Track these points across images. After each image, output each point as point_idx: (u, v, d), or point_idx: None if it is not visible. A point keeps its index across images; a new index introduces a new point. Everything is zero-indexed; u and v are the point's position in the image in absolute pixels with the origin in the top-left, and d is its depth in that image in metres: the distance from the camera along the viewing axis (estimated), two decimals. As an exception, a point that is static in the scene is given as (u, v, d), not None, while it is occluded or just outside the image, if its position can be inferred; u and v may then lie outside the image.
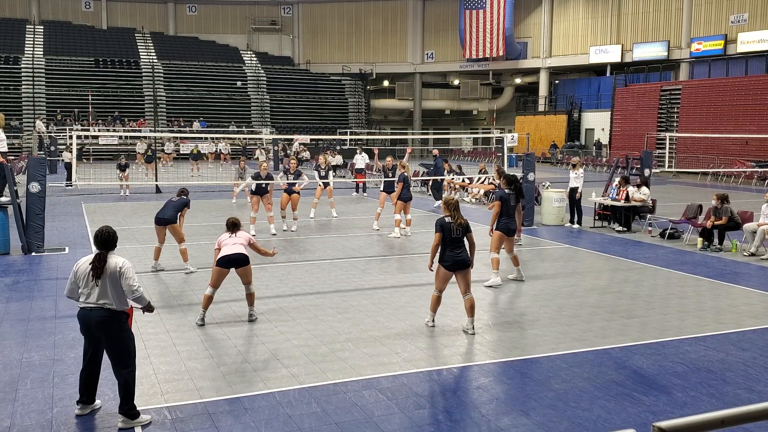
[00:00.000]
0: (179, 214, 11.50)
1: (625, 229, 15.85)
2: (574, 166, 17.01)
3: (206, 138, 41.71)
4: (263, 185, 15.11)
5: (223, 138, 42.06)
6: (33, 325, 8.34)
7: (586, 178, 17.85)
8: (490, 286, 10.43)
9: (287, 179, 15.65)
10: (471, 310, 8.11)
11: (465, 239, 8.10)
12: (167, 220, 11.38)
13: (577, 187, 16.42)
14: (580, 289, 10.39)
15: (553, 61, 49.23)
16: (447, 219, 8.07)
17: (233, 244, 8.40)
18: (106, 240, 5.78)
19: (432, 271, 8.36)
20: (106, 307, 5.63)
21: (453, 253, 8.00)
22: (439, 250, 8.13)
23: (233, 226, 8.59)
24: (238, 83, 50.66)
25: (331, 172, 18.02)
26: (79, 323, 5.79)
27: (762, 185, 28.84)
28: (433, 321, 8.39)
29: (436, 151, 23.62)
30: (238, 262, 8.35)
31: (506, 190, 10.77)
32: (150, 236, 14.50)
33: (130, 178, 25.04)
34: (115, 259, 5.72)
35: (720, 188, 26.21)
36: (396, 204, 15.20)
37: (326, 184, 18.05)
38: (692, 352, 7.53)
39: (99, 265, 5.67)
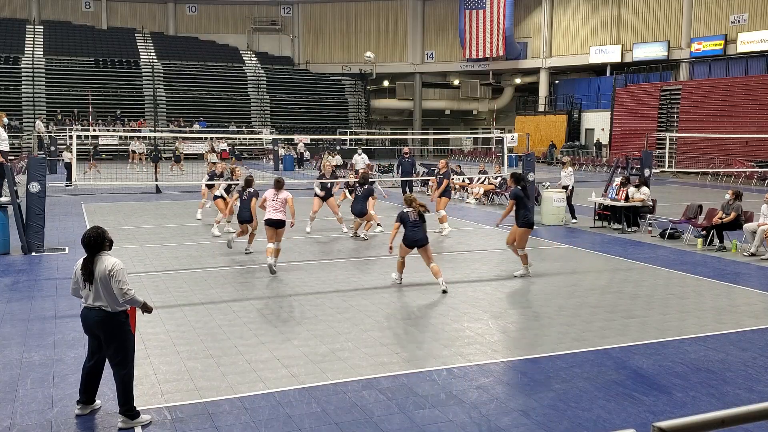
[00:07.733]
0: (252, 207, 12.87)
1: (627, 229, 15.85)
2: (564, 164, 17.96)
3: (206, 138, 41.68)
4: (328, 185, 15.74)
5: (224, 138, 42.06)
6: (33, 325, 8.34)
7: (586, 178, 17.97)
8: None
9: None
10: (437, 273, 10.09)
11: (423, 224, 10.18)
12: (246, 219, 12.80)
13: (568, 185, 16.83)
14: (580, 289, 10.39)
15: (553, 61, 49.20)
16: (405, 210, 10.26)
17: (274, 209, 11.15)
18: (89, 244, 5.69)
19: (391, 252, 10.77)
20: (102, 308, 5.63)
21: (411, 233, 10.15)
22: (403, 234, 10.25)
23: (278, 183, 11.38)
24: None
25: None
26: (81, 322, 5.80)
27: (762, 185, 28.83)
28: (400, 279, 10.46)
29: (406, 150, 23.55)
30: (278, 224, 11.14)
31: (518, 187, 11.35)
32: (150, 236, 14.72)
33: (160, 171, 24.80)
34: (106, 262, 5.64)
35: (720, 188, 26.22)
36: (440, 200, 15.95)
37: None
38: (692, 352, 7.54)
39: (86, 271, 5.62)
